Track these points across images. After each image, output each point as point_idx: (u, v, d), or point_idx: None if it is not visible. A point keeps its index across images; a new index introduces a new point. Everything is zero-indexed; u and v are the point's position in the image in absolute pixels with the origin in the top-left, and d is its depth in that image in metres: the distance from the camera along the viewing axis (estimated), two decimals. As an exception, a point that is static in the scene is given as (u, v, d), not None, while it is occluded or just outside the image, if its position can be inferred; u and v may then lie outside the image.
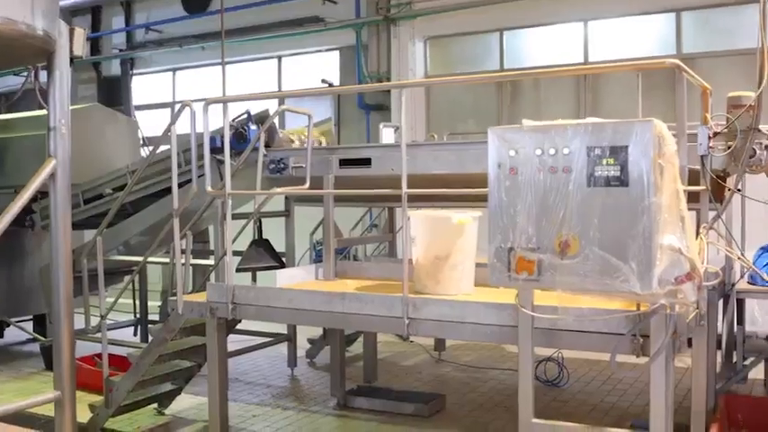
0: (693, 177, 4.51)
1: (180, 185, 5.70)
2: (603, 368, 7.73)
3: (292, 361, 8.16)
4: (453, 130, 10.63)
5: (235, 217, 6.89)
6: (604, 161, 3.25)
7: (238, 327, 7.02)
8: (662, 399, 3.60)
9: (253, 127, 6.89)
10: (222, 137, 5.76)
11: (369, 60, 12.30)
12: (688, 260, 3.25)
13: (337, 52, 13.22)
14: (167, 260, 7.05)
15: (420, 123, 11.88)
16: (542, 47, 11.56)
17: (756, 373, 6.74)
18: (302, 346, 8.67)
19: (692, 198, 4.55)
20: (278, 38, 13.17)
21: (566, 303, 3.91)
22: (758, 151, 4.57)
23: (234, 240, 6.76)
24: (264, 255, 6.65)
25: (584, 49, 11.14)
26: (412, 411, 6.53)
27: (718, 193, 4.80)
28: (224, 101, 5.62)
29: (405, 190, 4.52)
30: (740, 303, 6.36)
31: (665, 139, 3.27)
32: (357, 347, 8.42)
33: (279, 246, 7.33)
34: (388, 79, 11.70)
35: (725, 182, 4.75)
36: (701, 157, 4.46)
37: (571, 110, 10.67)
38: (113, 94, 15.42)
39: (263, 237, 6.93)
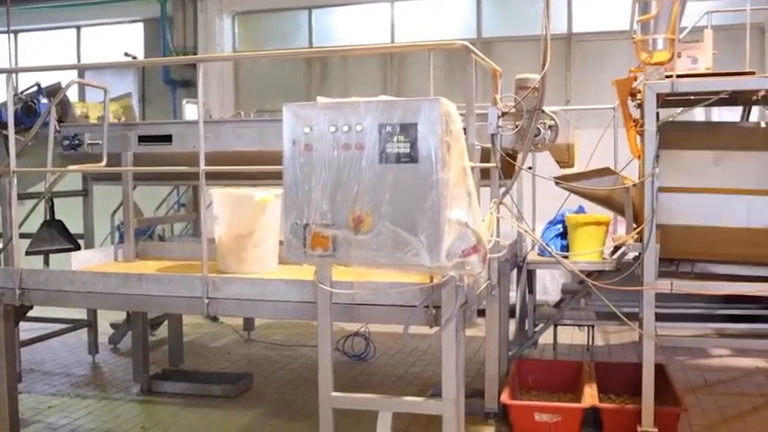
0: (487, 155, 4.74)
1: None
2: (417, 341, 8.00)
3: (93, 348, 7.76)
4: (262, 108, 10.52)
5: (28, 197, 6.43)
6: (395, 138, 3.32)
7: (36, 314, 6.58)
8: (453, 366, 3.76)
9: (44, 101, 6.46)
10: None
11: (175, 34, 11.87)
12: (474, 233, 3.39)
13: (141, 25, 12.66)
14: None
15: (228, 100, 11.67)
16: (351, 26, 11.67)
17: (547, 338, 7.24)
18: (106, 332, 8.30)
19: (487, 175, 4.79)
20: (76, 6, 12.40)
21: (363, 278, 3.99)
22: (542, 131, 4.87)
23: (23, 222, 6.36)
24: (57, 237, 6.24)
25: (392, 29, 11.37)
26: (219, 393, 6.44)
27: (509, 171, 5.07)
28: (8, 71, 5.23)
29: (202, 167, 4.42)
30: (531, 274, 6.78)
31: (452, 117, 3.39)
32: (164, 331, 8.17)
33: (77, 227, 6.95)
34: (195, 54, 11.37)
35: (514, 159, 5.02)
36: (491, 135, 4.69)
37: (378, 89, 10.87)
38: None
39: (56, 217, 6.52)
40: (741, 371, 6.96)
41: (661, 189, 4.86)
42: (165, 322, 7.88)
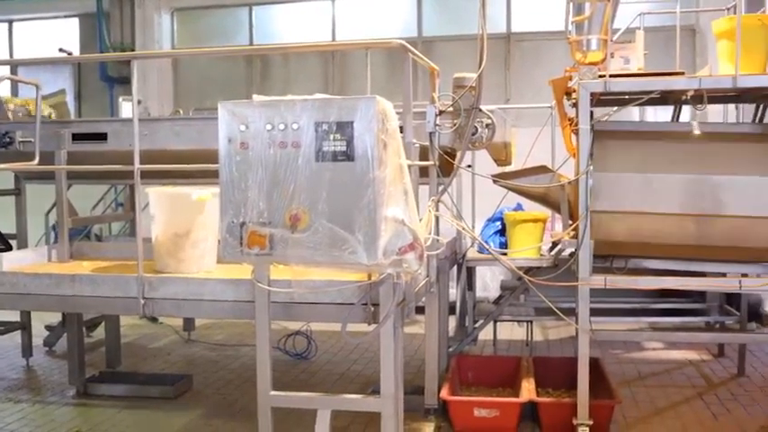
0: (426, 153, 4.77)
1: None
2: (352, 338, 7.98)
3: (27, 350, 7.58)
4: (202, 106, 10.40)
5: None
6: (331, 136, 3.32)
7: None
8: (391, 363, 3.79)
9: (-28, 98, 6.29)
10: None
11: (111, 30, 11.66)
12: (411, 231, 3.42)
13: (77, 20, 12.39)
14: None
15: (168, 98, 11.51)
16: (292, 24, 11.62)
17: (488, 334, 7.33)
18: (41, 334, 8.11)
19: (426, 173, 4.83)
20: (8, 0, 12.07)
21: (301, 277, 3.98)
22: (480, 129, 4.92)
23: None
24: (-14, 237, 6.10)
25: (333, 28, 11.36)
26: (157, 394, 6.35)
27: (448, 169, 5.11)
28: (-67, 67, 5.07)
29: (137, 166, 4.36)
30: (470, 271, 6.85)
31: (389, 115, 3.41)
32: (102, 332, 8.01)
33: (10, 227, 6.77)
34: (133, 51, 11.18)
35: (453, 158, 5.07)
36: (429, 134, 4.73)
37: (320, 87, 10.85)
38: None
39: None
40: (673, 363, 7.15)
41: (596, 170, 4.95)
42: (103, 323, 7.74)
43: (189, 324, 8.61)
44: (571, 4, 5.13)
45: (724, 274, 5.65)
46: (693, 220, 4.98)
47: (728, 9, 5.62)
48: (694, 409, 5.80)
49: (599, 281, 4.98)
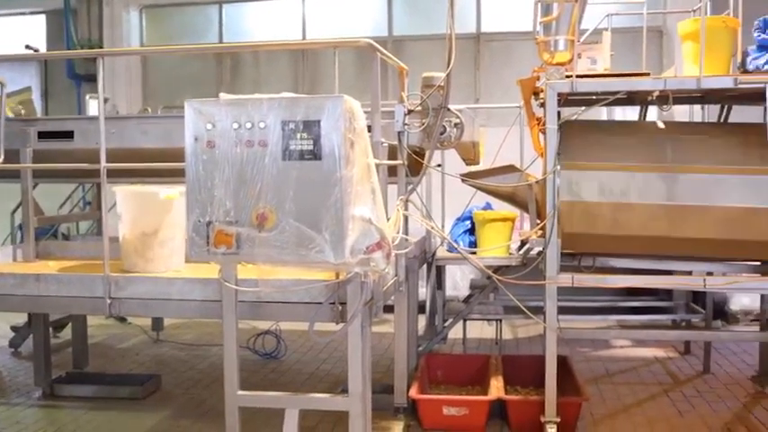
0: (395, 153, 4.78)
1: None
2: (321, 337, 7.97)
3: (-8, 352, 7.50)
4: (171, 104, 10.31)
5: None
6: (298, 135, 3.32)
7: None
8: (359, 362, 3.79)
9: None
10: None
11: (79, 27, 11.53)
12: (378, 230, 3.43)
13: (44, 16, 12.24)
14: None
15: (136, 96, 11.41)
16: (262, 22, 11.58)
17: (458, 332, 7.36)
18: (6, 335, 8.01)
19: (395, 172, 4.84)
20: (-28, -4, 11.93)
21: (269, 275, 3.97)
22: (448, 128, 4.94)
23: None
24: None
25: (303, 26, 11.33)
26: (125, 395, 6.29)
27: (417, 168, 5.12)
28: None
29: (103, 164, 4.32)
30: (440, 270, 6.88)
31: (356, 114, 3.41)
32: (69, 333, 7.92)
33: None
34: (101, 48, 11.06)
35: (422, 157, 5.08)
36: (398, 133, 4.73)
37: (290, 87, 10.83)
38: None
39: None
40: (640, 360, 7.23)
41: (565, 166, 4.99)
42: (70, 324, 7.65)
43: (158, 324, 8.55)
44: (539, 5, 5.17)
45: (690, 273, 5.74)
46: (662, 209, 5.01)
47: (694, 11, 5.69)
48: (660, 406, 5.87)
49: (566, 279, 5.03)
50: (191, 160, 3.45)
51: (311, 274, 3.93)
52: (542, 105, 5.28)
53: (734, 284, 5.23)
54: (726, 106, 5.87)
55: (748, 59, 4.96)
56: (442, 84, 4.68)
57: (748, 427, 5.38)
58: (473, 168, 5.82)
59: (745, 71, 4.98)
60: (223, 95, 3.48)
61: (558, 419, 5.01)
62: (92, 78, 11.44)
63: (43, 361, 6.40)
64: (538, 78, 5.37)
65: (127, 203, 4.94)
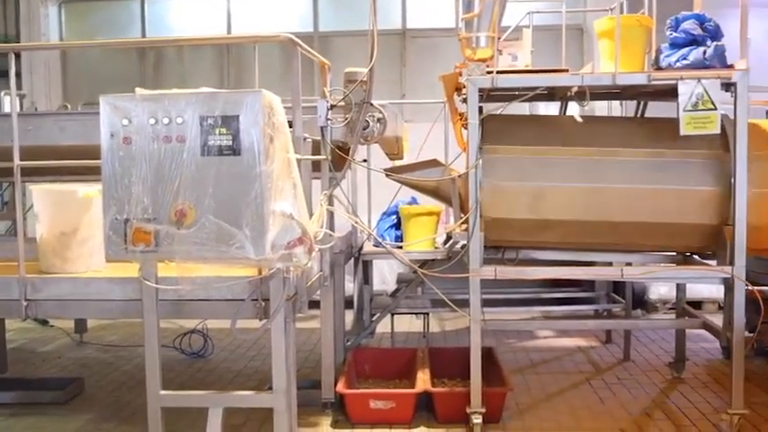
0: (318, 148, 4.78)
1: None
2: (249, 335, 7.92)
3: None
4: (92, 100, 10.05)
5: None
6: (217, 130, 3.30)
7: None
8: (282, 358, 3.79)
9: None
10: None
11: (-6, 21, 11.18)
12: (299, 225, 3.43)
13: (-44, 10, 11.81)
14: None
15: (57, 92, 11.11)
16: (186, 18, 11.41)
17: (386, 326, 7.39)
18: None
19: (319, 167, 4.84)
20: None
21: (190, 273, 3.92)
22: (371, 123, 4.97)
23: None
24: None
25: (228, 22, 11.21)
26: (47, 399, 6.12)
27: (341, 163, 5.13)
28: None
29: (17, 162, 4.20)
30: (367, 265, 6.90)
31: (275, 109, 3.41)
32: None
33: None
34: (18, 43, 10.73)
35: (346, 152, 5.09)
36: (321, 128, 4.74)
37: (216, 82, 10.71)
38: None
39: None
40: (564, 350, 7.40)
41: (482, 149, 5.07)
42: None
43: (81, 326, 8.34)
44: (460, 2, 5.23)
45: (611, 264, 5.90)
46: (579, 192, 5.14)
47: (611, 10, 5.84)
48: (582, 394, 6.02)
49: (489, 271, 5.10)
50: (107, 157, 3.40)
51: (233, 270, 3.90)
52: (465, 101, 5.36)
53: (650, 274, 5.38)
54: (642, 102, 6.04)
55: (661, 57, 5.11)
56: (365, 79, 4.71)
57: (665, 411, 5.56)
58: (397, 163, 5.86)
59: (659, 68, 5.13)
60: (139, 90, 3.44)
61: (484, 410, 5.08)
62: (6, 74, 11.10)
63: (-42, 367, 6.19)
64: (460, 74, 5.43)
65: (44, 202, 4.81)
